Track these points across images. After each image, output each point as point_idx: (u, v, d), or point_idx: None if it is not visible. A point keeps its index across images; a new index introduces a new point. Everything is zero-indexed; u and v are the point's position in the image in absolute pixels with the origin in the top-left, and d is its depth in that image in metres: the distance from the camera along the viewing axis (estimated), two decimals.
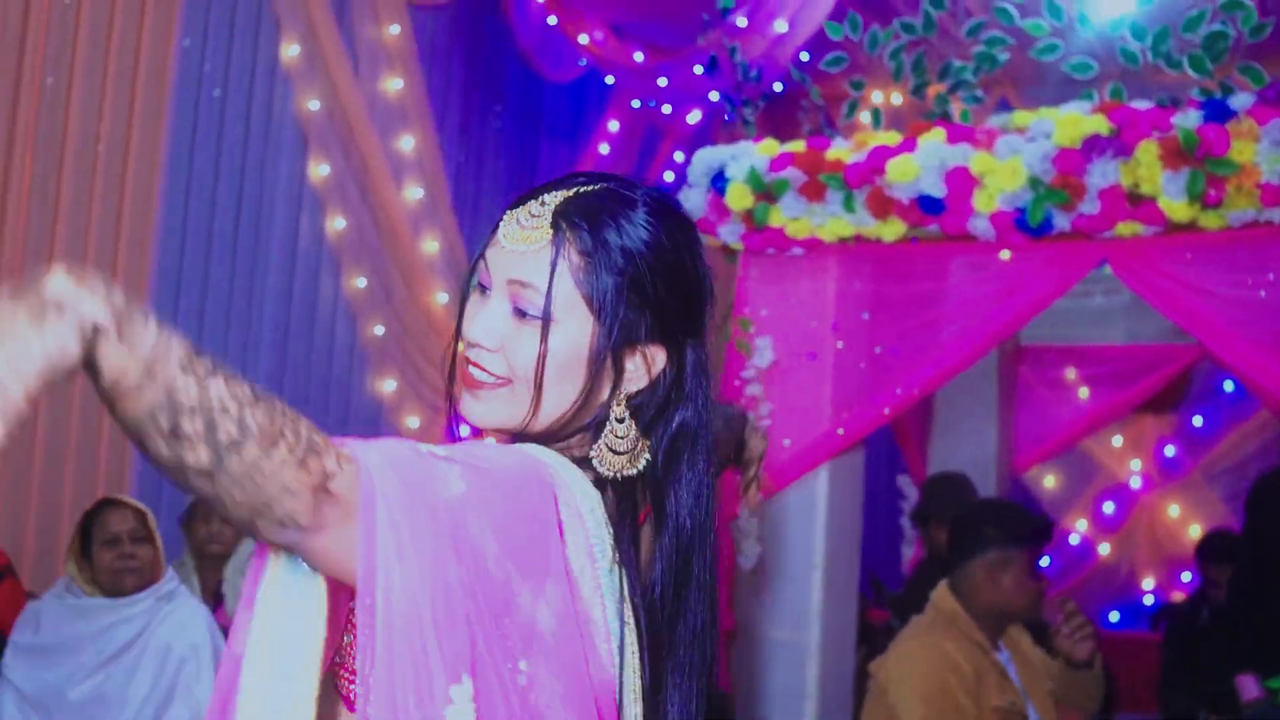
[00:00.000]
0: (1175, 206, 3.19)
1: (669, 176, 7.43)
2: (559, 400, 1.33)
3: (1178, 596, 7.48)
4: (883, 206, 3.39)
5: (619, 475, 1.34)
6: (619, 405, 1.35)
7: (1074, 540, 7.57)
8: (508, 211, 1.38)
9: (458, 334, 1.39)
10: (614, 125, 7.30)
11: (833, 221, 3.45)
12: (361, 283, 6.04)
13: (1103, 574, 7.49)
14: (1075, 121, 3.22)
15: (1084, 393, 6.18)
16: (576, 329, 1.33)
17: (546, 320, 1.32)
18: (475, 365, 1.36)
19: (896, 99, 5.35)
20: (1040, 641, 3.30)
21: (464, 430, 1.42)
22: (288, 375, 5.82)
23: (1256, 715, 4.08)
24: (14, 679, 3.50)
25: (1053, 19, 3.46)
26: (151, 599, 3.66)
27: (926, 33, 3.54)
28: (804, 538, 3.59)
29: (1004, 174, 3.25)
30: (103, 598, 3.66)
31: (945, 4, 3.58)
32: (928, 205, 3.34)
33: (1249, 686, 4.10)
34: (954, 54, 3.55)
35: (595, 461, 1.34)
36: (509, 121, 7.10)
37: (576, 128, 7.40)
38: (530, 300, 1.32)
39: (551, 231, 1.33)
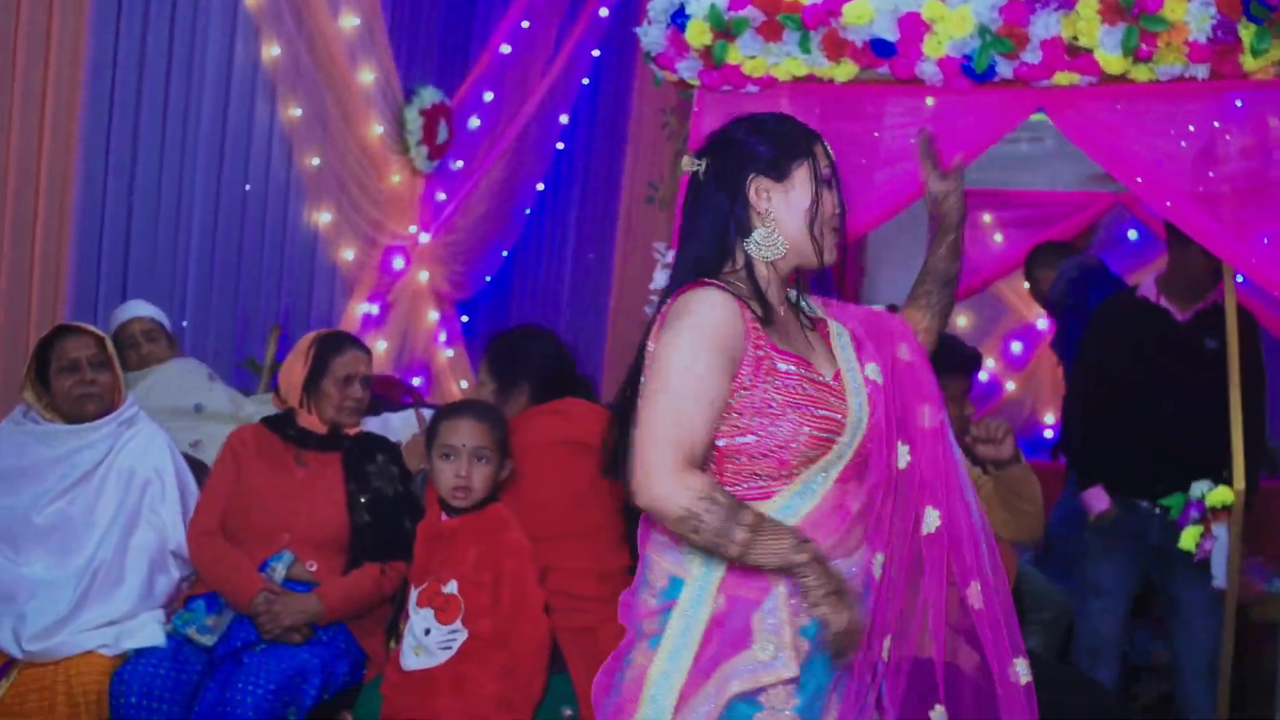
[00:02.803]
0: (1110, 59, 3.37)
1: (604, 12, 7.44)
2: None
3: None
4: (837, 48, 3.52)
5: None
6: None
7: (983, 377, 7.90)
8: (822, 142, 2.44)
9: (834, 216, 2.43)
10: None
11: (788, 61, 3.58)
12: (297, 112, 6.03)
13: (1008, 409, 7.83)
14: None
15: (1006, 235, 6.42)
16: None
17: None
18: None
19: None
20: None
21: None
22: (222, 207, 5.82)
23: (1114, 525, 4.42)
24: None
25: None
26: (113, 424, 3.74)
27: None
28: None
29: (954, 21, 3.41)
30: (63, 424, 3.73)
31: None
32: (880, 48, 3.49)
33: (1098, 499, 4.42)
34: None
35: None
36: None
37: None
38: None
39: None
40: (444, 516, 3.29)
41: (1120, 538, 4.45)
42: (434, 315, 7.10)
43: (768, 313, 2.33)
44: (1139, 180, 3.53)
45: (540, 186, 7.72)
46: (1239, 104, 3.49)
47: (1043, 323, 8.20)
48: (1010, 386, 8.03)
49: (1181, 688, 4.47)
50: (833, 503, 2.29)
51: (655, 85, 3.87)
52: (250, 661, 3.42)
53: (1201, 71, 3.36)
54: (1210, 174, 3.51)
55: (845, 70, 3.56)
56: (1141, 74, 3.40)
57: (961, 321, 7.77)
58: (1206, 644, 4.20)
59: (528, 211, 7.66)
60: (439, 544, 3.28)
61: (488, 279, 7.55)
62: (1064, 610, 4.81)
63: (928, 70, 3.48)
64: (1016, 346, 7.99)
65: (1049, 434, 8.24)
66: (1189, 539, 4.09)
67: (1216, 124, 3.50)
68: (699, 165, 2.40)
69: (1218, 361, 3.91)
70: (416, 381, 6.88)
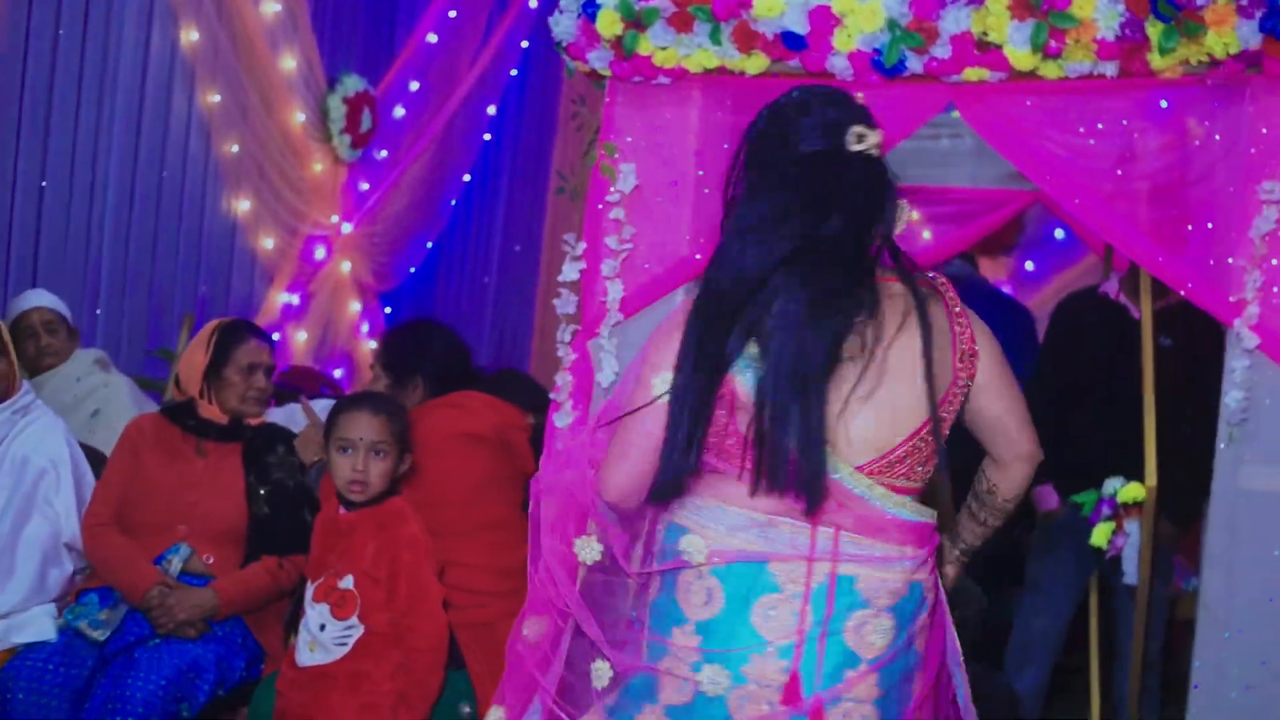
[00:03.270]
0: (1019, 56, 3.36)
1: (533, 2, 7.39)
2: None
3: None
4: (747, 40, 3.49)
5: None
6: None
7: None
8: None
9: None
10: None
11: (699, 53, 3.54)
12: (216, 98, 5.94)
13: None
14: None
15: (933, 231, 6.42)
16: None
17: None
18: None
19: None
20: None
21: None
22: (138, 194, 5.72)
23: (1059, 524, 4.43)
24: None
25: None
26: (7, 412, 3.64)
27: None
28: None
29: (864, 15, 3.38)
30: None
31: None
32: (790, 41, 3.46)
33: (1048, 497, 4.44)
34: None
35: None
36: None
37: None
38: None
39: None
40: (341, 510, 3.24)
41: (1066, 536, 4.44)
42: (356, 306, 7.03)
43: None
44: (1048, 177, 3.52)
45: (467, 178, 7.66)
46: (1164, 104, 3.49)
47: None
48: None
49: (1118, 686, 4.49)
50: None
51: (568, 75, 3.82)
52: (142, 656, 3.35)
53: (1110, 69, 3.35)
54: (1119, 172, 3.51)
55: (756, 63, 3.53)
56: (1051, 71, 3.40)
57: None
58: (1146, 646, 4.22)
59: (453, 203, 7.60)
60: (336, 538, 3.22)
61: (412, 270, 7.49)
62: (979, 606, 4.81)
63: (838, 64, 3.46)
64: None
65: None
66: (1100, 536, 4.12)
67: (1125, 122, 3.50)
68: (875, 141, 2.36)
69: (1172, 359, 3.92)
70: (338, 373, 6.81)
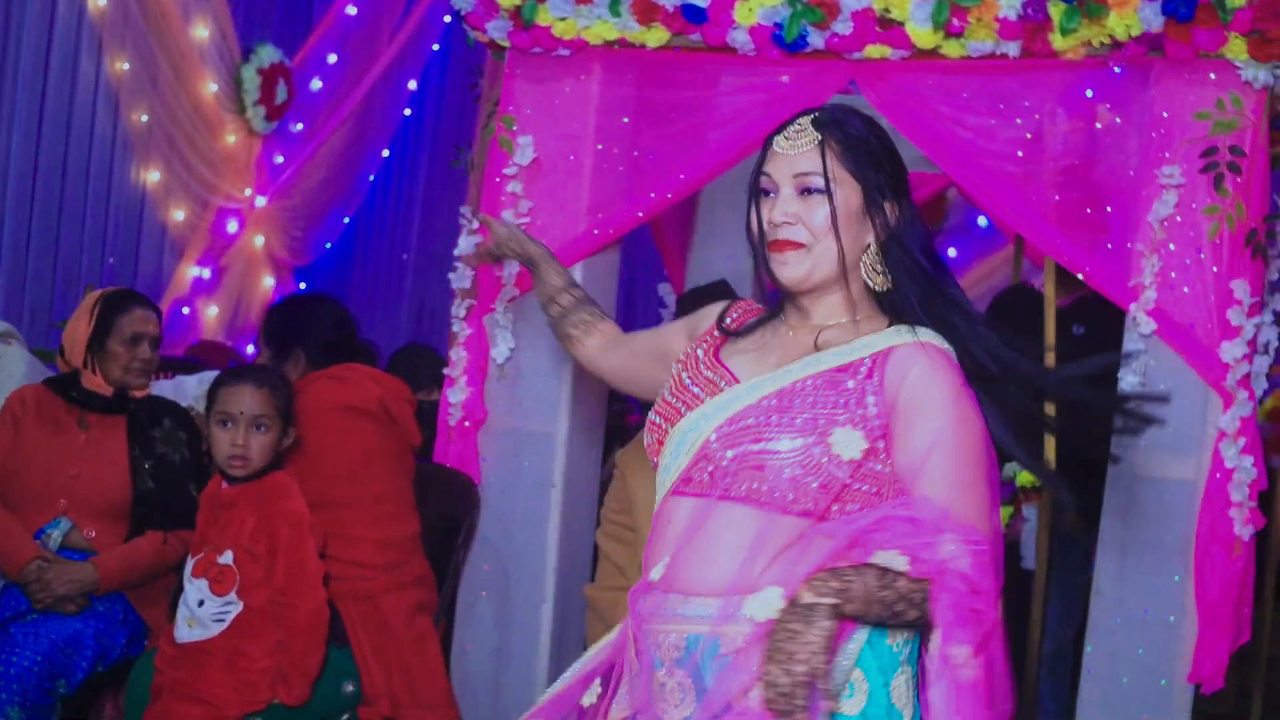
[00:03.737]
0: (921, 33, 3.34)
1: None
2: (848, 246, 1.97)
3: None
4: (648, 13, 3.44)
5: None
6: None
7: None
8: (772, 136, 2.00)
9: (760, 232, 1.99)
10: None
11: (599, 24, 3.49)
12: (125, 66, 5.82)
13: None
14: None
15: None
16: (849, 192, 1.96)
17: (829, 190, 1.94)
18: (784, 241, 1.95)
19: None
20: None
21: None
22: (42, 163, 5.60)
23: None
24: None
25: None
26: None
27: None
28: None
29: None
30: None
31: None
32: (691, 14, 3.42)
33: None
34: None
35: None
36: None
37: None
38: (813, 181, 1.94)
39: (817, 134, 1.96)
40: (224, 484, 3.16)
41: None
42: (270, 281, 6.93)
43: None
44: (950, 158, 3.50)
45: (386, 153, 7.57)
46: (1066, 86, 3.48)
47: None
48: None
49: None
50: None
51: (469, 45, 3.75)
52: (18, 632, 3.26)
53: (1012, 49, 3.34)
54: (1020, 154, 3.50)
55: (656, 35, 3.48)
56: (953, 49, 3.38)
57: None
58: (1054, 633, 4.22)
59: (372, 178, 7.51)
60: (219, 512, 3.15)
61: (328, 245, 7.39)
62: None
63: (739, 38, 3.42)
64: None
65: None
66: None
67: (1027, 104, 3.48)
68: None
69: (1083, 347, 3.92)
70: (250, 349, 6.71)
